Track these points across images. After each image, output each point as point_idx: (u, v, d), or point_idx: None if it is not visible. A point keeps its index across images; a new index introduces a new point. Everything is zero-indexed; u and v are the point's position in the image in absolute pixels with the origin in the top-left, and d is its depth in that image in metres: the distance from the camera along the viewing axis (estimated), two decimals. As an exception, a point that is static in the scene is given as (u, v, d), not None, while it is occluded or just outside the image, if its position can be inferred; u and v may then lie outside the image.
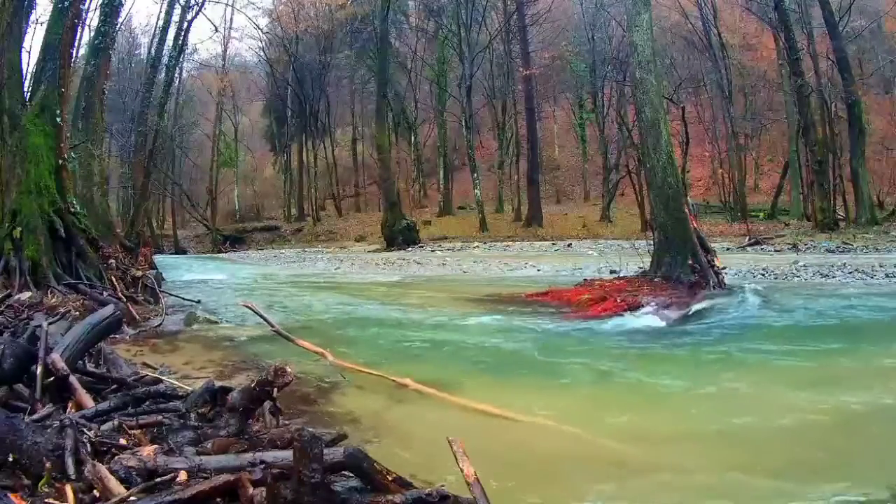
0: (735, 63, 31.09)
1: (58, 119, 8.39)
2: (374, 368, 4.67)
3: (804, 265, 12.07)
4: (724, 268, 9.08)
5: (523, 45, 33.29)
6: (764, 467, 2.93)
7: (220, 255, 33.33)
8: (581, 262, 15.06)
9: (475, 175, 33.00)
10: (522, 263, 16.11)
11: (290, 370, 2.71)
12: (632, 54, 9.88)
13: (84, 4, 11.17)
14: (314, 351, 5.20)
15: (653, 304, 7.52)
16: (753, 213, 27.24)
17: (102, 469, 2.00)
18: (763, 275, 11.21)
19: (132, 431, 2.53)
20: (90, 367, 3.73)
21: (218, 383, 3.09)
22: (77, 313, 5.95)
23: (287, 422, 3.21)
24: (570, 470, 3.01)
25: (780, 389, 4.30)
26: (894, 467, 2.91)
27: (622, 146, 28.83)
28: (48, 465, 2.04)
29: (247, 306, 6.65)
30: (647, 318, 7.10)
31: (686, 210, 8.89)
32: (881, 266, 11.26)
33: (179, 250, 36.98)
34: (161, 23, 20.26)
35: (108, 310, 3.83)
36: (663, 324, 6.93)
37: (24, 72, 9.07)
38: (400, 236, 26.76)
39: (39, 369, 2.99)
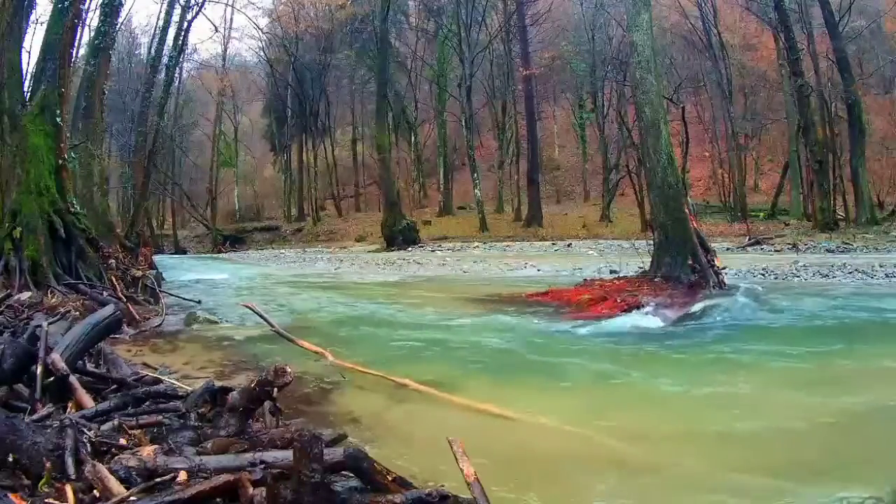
0: (735, 63, 31.09)
1: (58, 119, 8.39)
2: (374, 368, 4.67)
3: (804, 265, 12.07)
4: (724, 268, 9.07)
5: (523, 45, 33.29)
6: (764, 467, 2.93)
7: (220, 255, 33.34)
8: (581, 263, 15.05)
9: (475, 175, 32.99)
10: (522, 263, 16.10)
11: (290, 370, 2.71)
12: (632, 54, 9.88)
13: (84, 4, 11.18)
14: (314, 351, 5.20)
15: (653, 304, 7.51)
16: (753, 213, 27.24)
17: (102, 469, 2.00)
18: (763, 275, 11.21)
19: (132, 431, 2.53)
20: (90, 367, 3.73)
21: (218, 383, 3.10)
22: (77, 313, 5.95)
23: (287, 422, 3.21)
24: (570, 470, 3.01)
25: (779, 390, 4.30)
26: (894, 467, 2.90)
27: (622, 146, 28.83)
28: (48, 465, 2.04)
29: (247, 306, 6.66)
30: (648, 319, 7.10)
31: (686, 210, 8.88)
32: (881, 266, 11.26)
33: (179, 250, 37.00)
34: (161, 23, 20.29)
35: (108, 310, 3.83)
36: (663, 324, 6.93)
37: (24, 72, 9.08)
38: (400, 236, 26.76)
39: (39, 369, 2.99)
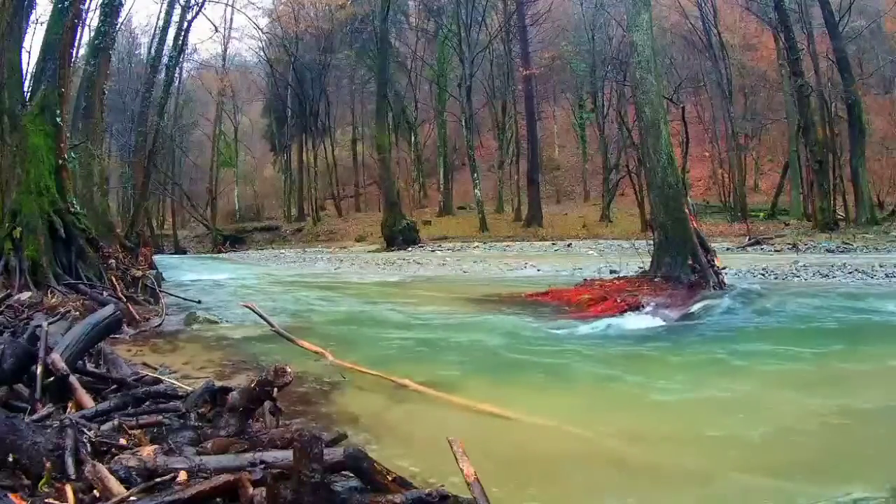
0: (735, 63, 31.08)
1: (58, 119, 8.39)
2: (374, 368, 4.67)
3: (804, 265, 12.07)
4: (724, 268, 9.08)
5: (523, 45, 33.29)
6: (764, 467, 2.93)
7: (220, 255, 33.34)
8: (581, 263, 15.05)
9: (475, 175, 32.99)
10: (522, 263, 16.10)
11: (290, 370, 2.71)
12: (632, 54, 9.88)
13: (84, 4, 11.17)
14: (314, 351, 5.20)
15: (653, 304, 7.52)
16: (753, 213, 27.24)
17: (102, 469, 2.00)
18: (763, 275, 11.21)
19: (132, 431, 2.53)
20: (90, 367, 3.73)
21: (218, 383, 3.10)
22: (77, 313, 5.95)
23: (287, 422, 3.21)
24: (570, 470, 3.01)
25: (779, 390, 4.30)
26: (894, 467, 2.90)
27: (622, 146, 28.83)
28: (48, 465, 2.04)
29: (247, 306, 6.66)
30: (647, 319, 7.10)
31: (686, 210, 8.88)
32: (881, 266, 11.26)
33: (179, 250, 37.01)
34: (161, 23, 20.27)
35: (108, 310, 3.83)
36: (663, 324, 6.93)
37: (24, 72, 9.08)
38: (400, 236, 26.76)
39: (39, 369, 2.99)
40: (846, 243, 17.38)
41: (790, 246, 17.62)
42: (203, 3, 21.68)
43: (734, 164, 29.99)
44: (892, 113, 30.46)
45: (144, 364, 4.72)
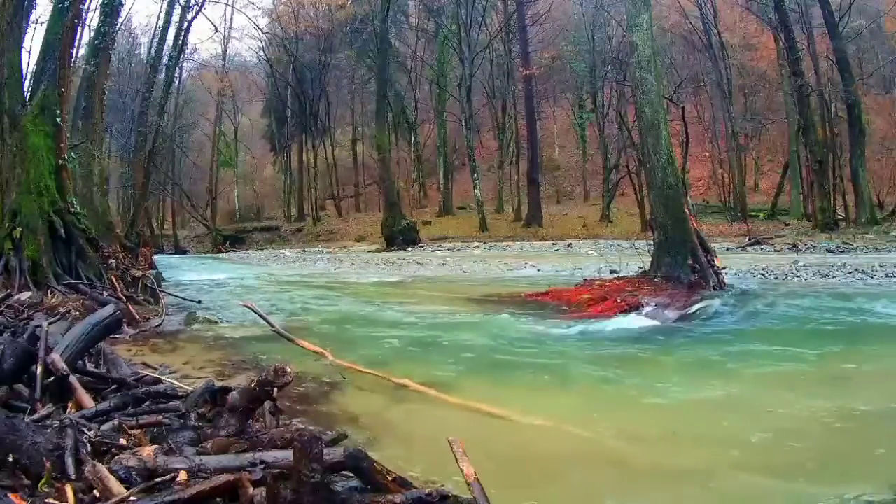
0: (735, 63, 31.08)
1: (58, 119, 8.39)
2: (374, 368, 4.67)
3: (804, 265, 12.08)
4: (724, 268, 9.07)
5: (523, 45, 33.28)
6: (764, 467, 2.93)
7: (220, 255, 33.35)
8: (581, 262, 15.06)
9: (475, 175, 33.00)
10: (522, 263, 16.11)
11: (290, 370, 2.71)
12: (632, 54, 9.88)
13: (84, 4, 11.17)
14: (314, 351, 5.20)
15: (653, 304, 7.52)
16: (753, 213, 27.25)
17: (102, 469, 2.00)
18: (763, 275, 11.21)
19: (132, 431, 2.53)
20: (90, 367, 3.73)
21: (218, 383, 3.10)
22: (77, 313, 5.95)
23: (287, 422, 3.21)
24: (570, 470, 3.01)
25: (779, 390, 4.30)
26: (894, 467, 2.90)
27: (622, 146, 28.83)
28: (48, 465, 2.04)
29: (247, 306, 6.66)
30: (647, 319, 7.10)
31: (686, 210, 8.88)
32: (881, 266, 11.27)
33: (179, 250, 37.03)
34: (161, 23, 20.23)
35: (108, 310, 3.83)
36: (663, 324, 6.93)
37: (24, 72, 9.07)
38: (400, 236, 26.76)
39: (39, 369, 2.99)
40: (846, 243, 17.38)
41: (790, 246, 17.62)
42: (203, 3, 21.67)
43: (734, 164, 29.99)
44: (892, 113, 30.46)
45: (144, 364, 4.72)
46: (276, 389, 2.72)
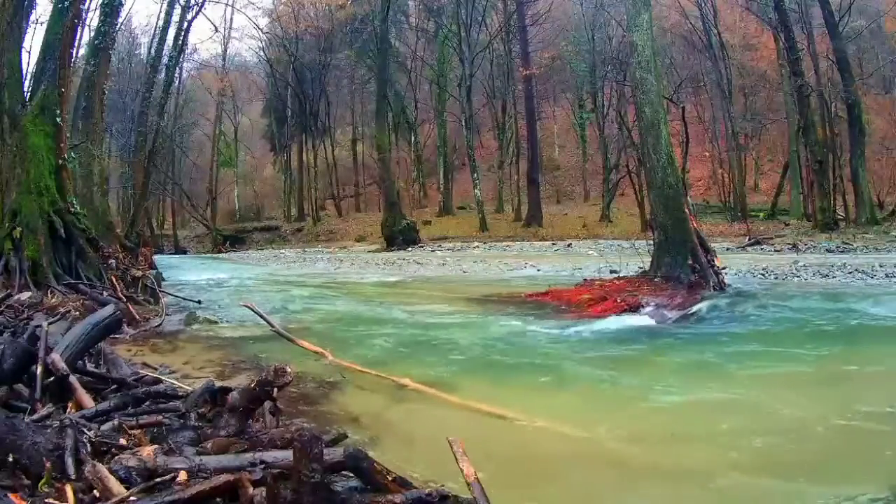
0: (735, 63, 31.08)
1: (58, 119, 8.39)
2: (374, 368, 4.67)
3: (804, 265, 12.07)
4: (724, 268, 9.07)
5: (523, 45, 33.28)
6: (763, 468, 2.94)
7: (220, 255, 33.34)
8: (581, 262, 15.05)
9: (475, 175, 32.99)
10: (522, 263, 16.10)
11: (290, 370, 2.71)
12: (632, 54, 9.88)
13: (84, 4, 11.17)
14: (314, 351, 5.21)
15: (653, 304, 7.52)
16: (753, 213, 27.24)
17: (102, 469, 2.00)
18: (763, 275, 11.21)
19: (132, 431, 2.53)
20: (90, 367, 3.73)
21: (218, 383, 3.10)
22: (77, 313, 5.95)
23: (287, 422, 3.21)
24: (570, 470, 3.01)
25: (778, 390, 4.30)
26: (894, 467, 2.90)
27: (622, 146, 28.82)
28: (48, 465, 2.04)
29: (247, 306, 6.66)
30: (647, 319, 7.10)
31: (686, 210, 8.88)
32: (881, 266, 11.26)
33: (179, 250, 37.02)
34: (161, 23, 20.22)
35: (108, 310, 3.83)
36: (663, 324, 6.93)
37: (24, 72, 9.08)
38: (400, 236, 26.76)
39: (39, 369, 2.99)
40: (846, 243, 17.38)
41: (790, 246, 17.62)
42: (203, 3, 21.66)
43: (734, 164, 29.98)
44: (892, 113, 30.45)
45: (144, 364, 4.73)
46: (276, 389, 2.72)
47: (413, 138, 40.05)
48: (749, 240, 19.84)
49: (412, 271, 16.03)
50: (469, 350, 5.84)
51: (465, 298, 9.66)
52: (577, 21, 36.22)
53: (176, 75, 27.04)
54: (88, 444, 2.23)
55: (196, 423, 2.77)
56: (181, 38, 20.43)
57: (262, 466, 2.09)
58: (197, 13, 21.46)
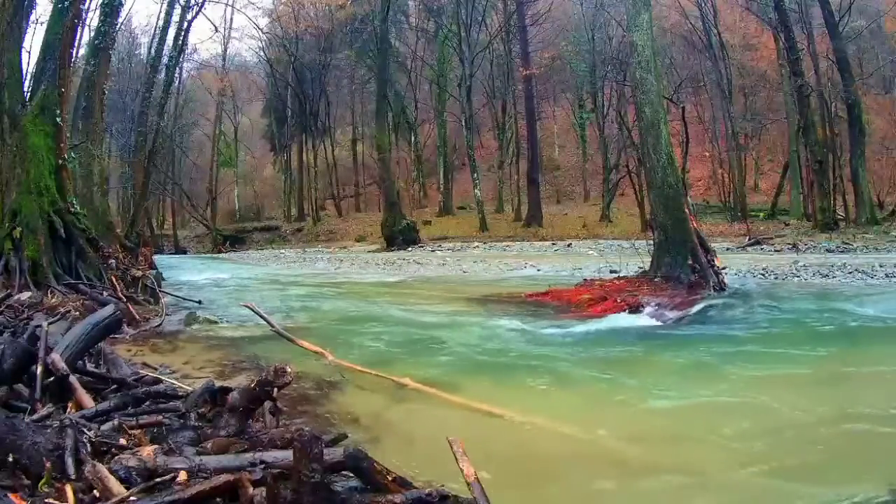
0: (735, 63, 31.07)
1: (58, 119, 8.39)
2: (374, 368, 4.67)
3: (804, 265, 12.07)
4: (724, 268, 9.07)
5: (523, 45, 33.28)
6: (763, 468, 2.93)
7: (220, 255, 33.34)
8: (581, 262, 15.05)
9: (475, 175, 32.99)
10: (522, 263, 16.10)
11: (290, 370, 2.71)
12: (632, 54, 9.88)
13: (84, 4, 11.17)
14: (314, 351, 5.20)
15: (653, 304, 7.52)
16: (753, 213, 27.24)
17: (102, 469, 2.00)
18: (763, 275, 11.20)
19: (132, 431, 2.53)
20: (90, 367, 3.73)
21: (218, 383, 3.10)
22: (77, 313, 5.95)
23: (287, 422, 3.21)
24: (570, 470, 3.01)
25: (778, 390, 4.30)
26: (894, 467, 2.90)
27: (622, 146, 28.82)
28: (48, 465, 2.04)
29: (247, 306, 6.66)
30: (647, 319, 7.11)
31: (686, 210, 8.88)
32: (881, 266, 11.26)
33: (179, 250, 37.03)
34: (161, 23, 20.21)
35: (108, 310, 3.83)
36: (663, 324, 6.94)
37: (24, 72, 9.08)
38: (400, 236, 26.76)
39: (39, 369, 2.99)
40: (846, 243, 17.38)
41: (790, 246, 17.61)
42: (203, 3, 21.65)
43: (734, 164, 29.97)
44: (892, 113, 30.45)
45: (144, 364, 4.73)
46: (276, 389, 2.72)
47: (413, 138, 40.05)
48: (749, 240, 19.84)
49: (412, 271, 16.03)
50: (469, 350, 5.84)
51: (465, 298, 9.66)
52: (577, 21, 36.23)
53: (176, 75, 27.03)
54: (88, 444, 2.23)
55: (196, 423, 2.77)
56: (181, 38, 20.43)
57: (262, 466, 2.09)
58: (197, 13, 21.47)
